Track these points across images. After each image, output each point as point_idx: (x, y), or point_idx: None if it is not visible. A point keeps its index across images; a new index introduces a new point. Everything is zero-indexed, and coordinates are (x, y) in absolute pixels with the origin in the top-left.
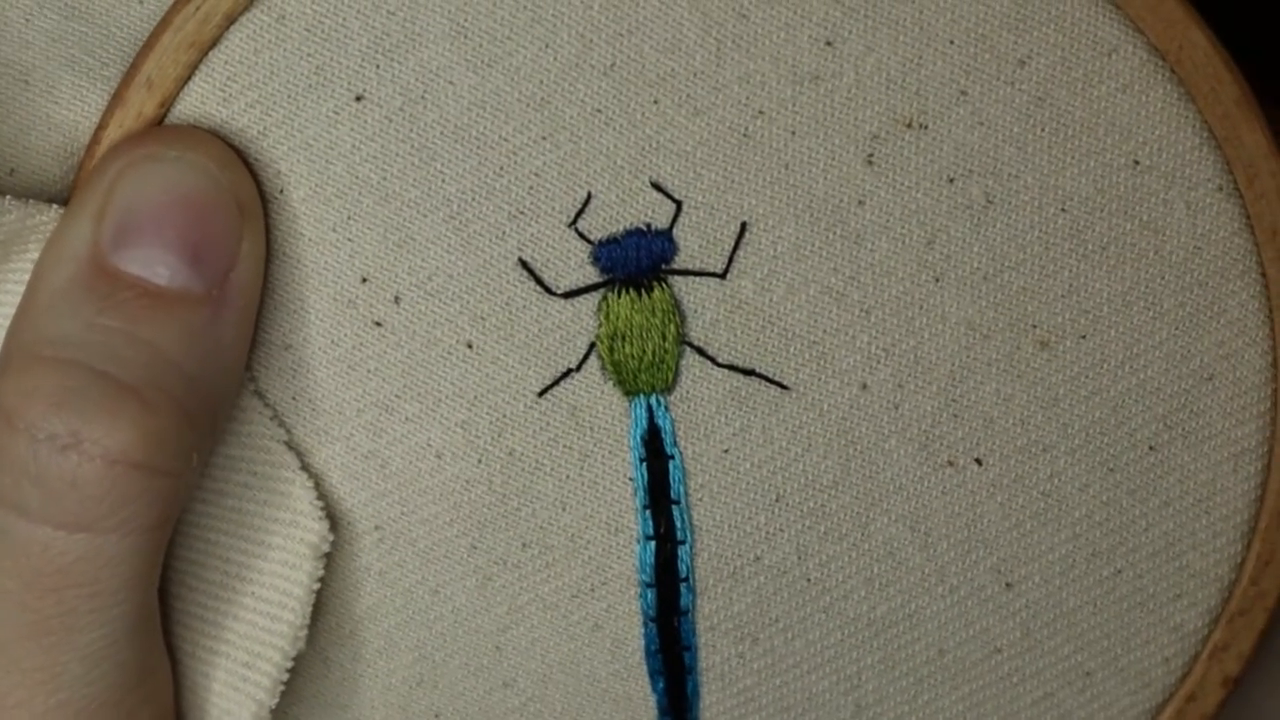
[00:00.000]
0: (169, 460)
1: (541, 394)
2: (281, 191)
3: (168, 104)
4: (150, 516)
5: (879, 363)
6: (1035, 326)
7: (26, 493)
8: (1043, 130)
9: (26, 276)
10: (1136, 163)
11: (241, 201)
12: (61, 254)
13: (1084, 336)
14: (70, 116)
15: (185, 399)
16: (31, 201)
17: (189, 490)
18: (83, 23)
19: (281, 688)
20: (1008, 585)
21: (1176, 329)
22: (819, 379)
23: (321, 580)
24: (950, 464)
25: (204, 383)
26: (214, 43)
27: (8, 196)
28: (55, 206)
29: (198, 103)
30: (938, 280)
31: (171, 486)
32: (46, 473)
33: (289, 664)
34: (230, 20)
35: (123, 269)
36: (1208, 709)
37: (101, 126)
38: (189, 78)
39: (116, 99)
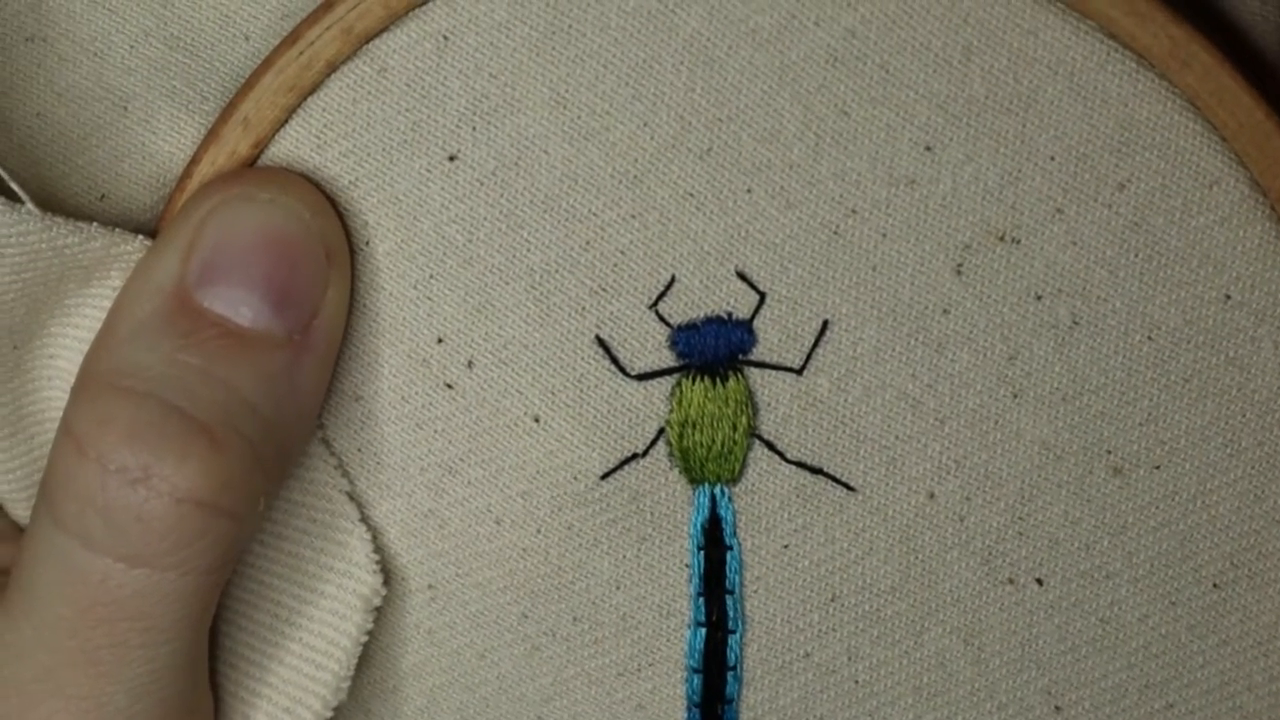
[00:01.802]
0: (236, 502)
1: (604, 477)
2: (367, 243)
3: (262, 145)
4: (211, 557)
5: (949, 473)
6: (1110, 452)
7: (91, 522)
8: (1136, 256)
9: (107, 303)
10: (1228, 297)
11: (330, 249)
12: (146, 286)
13: (1158, 467)
14: (165, 147)
15: (258, 442)
16: (118, 230)
17: (252, 533)
18: (186, 55)
19: None
20: (1057, 709)
21: (1252, 469)
22: (887, 484)
23: (370, 633)
24: (1011, 581)
25: (278, 427)
26: (314, 88)
27: (95, 224)
28: (141, 237)
29: (292, 146)
30: (1016, 397)
31: (235, 529)
32: (113, 505)
33: (329, 713)
34: (332, 67)
35: (206, 307)
36: None
37: (194, 161)
38: (286, 120)
39: (212, 135)
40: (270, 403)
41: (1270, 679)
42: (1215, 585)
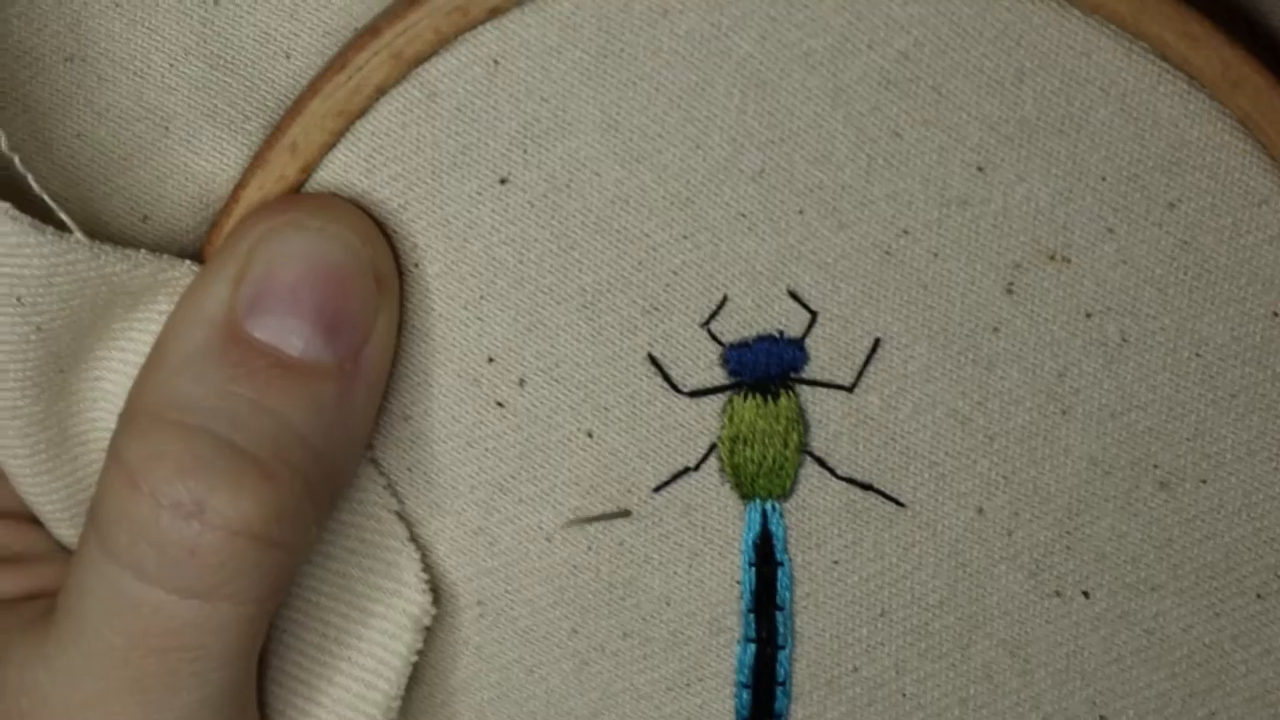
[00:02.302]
0: (288, 533)
1: (657, 490)
2: (416, 265)
3: (310, 169)
4: (264, 588)
5: (997, 489)
6: (1157, 467)
7: (144, 554)
8: (1185, 274)
9: (154, 327)
10: (1275, 314)
11: (380, 276)
12: (196, 316)
13: (1204, 481)
14: (208, 168)
15: (309, 472)
16: (165, 256)
17: (304, 560)
18: (228, 73)
19: None
20: (1102, 718)
21: None
22: (936, 499)
23: (419, 651)
24: (1058, 594)
25: (329, 457)
26: (362, 112)
27: (142, 250)
28: (188, 262)
29: (340, 170)
30: (1065, 413)
31: (288, 559)
32: (167, 538)
33: None
34: (381, 92)
35: (257, 336)
36: None
37: (241, 185)
38: (333, 144)
39: (259, 160)
40: (321, 433)
41: None
42: (1259, 596)
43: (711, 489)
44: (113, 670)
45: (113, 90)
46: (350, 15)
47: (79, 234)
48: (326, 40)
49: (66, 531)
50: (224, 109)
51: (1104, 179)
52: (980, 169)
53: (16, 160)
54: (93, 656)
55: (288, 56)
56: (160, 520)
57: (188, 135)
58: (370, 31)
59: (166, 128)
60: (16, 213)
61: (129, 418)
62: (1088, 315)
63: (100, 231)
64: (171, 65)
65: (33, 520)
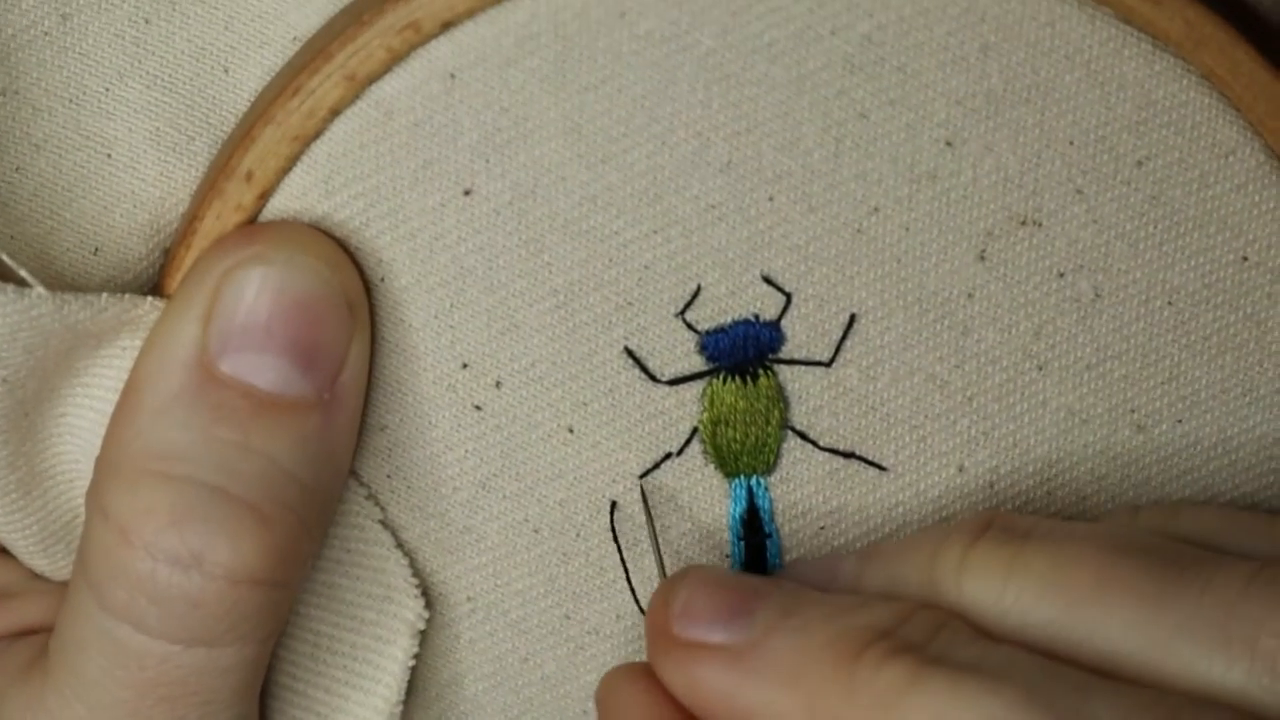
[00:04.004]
0: (288, 573)
1: (642, 477)
2: (382, 280)
3: (267, 195)
4: (268, 628)
5: (978, 445)
6: (1133, 411)
7: (143, 609)
8: (1155, 227)
9: (118, 362)
10: (1245, 258)
11: (351, 302)
12: (168, 359)
13: (1180, 421)
14: (155, 193)
15: (302, 509)
16: (128, 296)
17: (300, 590)
18: (166, 93)
19: None
20: None
21: (1270, 413)
22: (917, 460)
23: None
24: None
25: (318, 489)
26: (317, 135)
27: (105, 294)
28: (150, 299)
29: (298, 194)
30: (1041, 369)
31: (289, 595)
32: (167, 593)
33: None
34: (335, 113)
35: (232, 375)
36: None
37: (197, 217)
38: (289, 169)
39: (214, 190)
40: (309, 467)
41: None
42: None
43: (695, 470)
44: None
45: (49, 120)
46: (287, 24)
47: (40, 289)
48: (264, 52)
49: (40, 562)
50: (166, 130)
51: (1072, 143)
52: (949, 143)
53: None
54: (99, 709)
55: (226, 71)
56: (157, 575)
57: (131, 161)
58: (321, 55)
59: (109, 154)
60: None
61: (110, 470)
62: (1060, 275)
63: (51, 267)
64: (107, 89)
65: (2, 553)
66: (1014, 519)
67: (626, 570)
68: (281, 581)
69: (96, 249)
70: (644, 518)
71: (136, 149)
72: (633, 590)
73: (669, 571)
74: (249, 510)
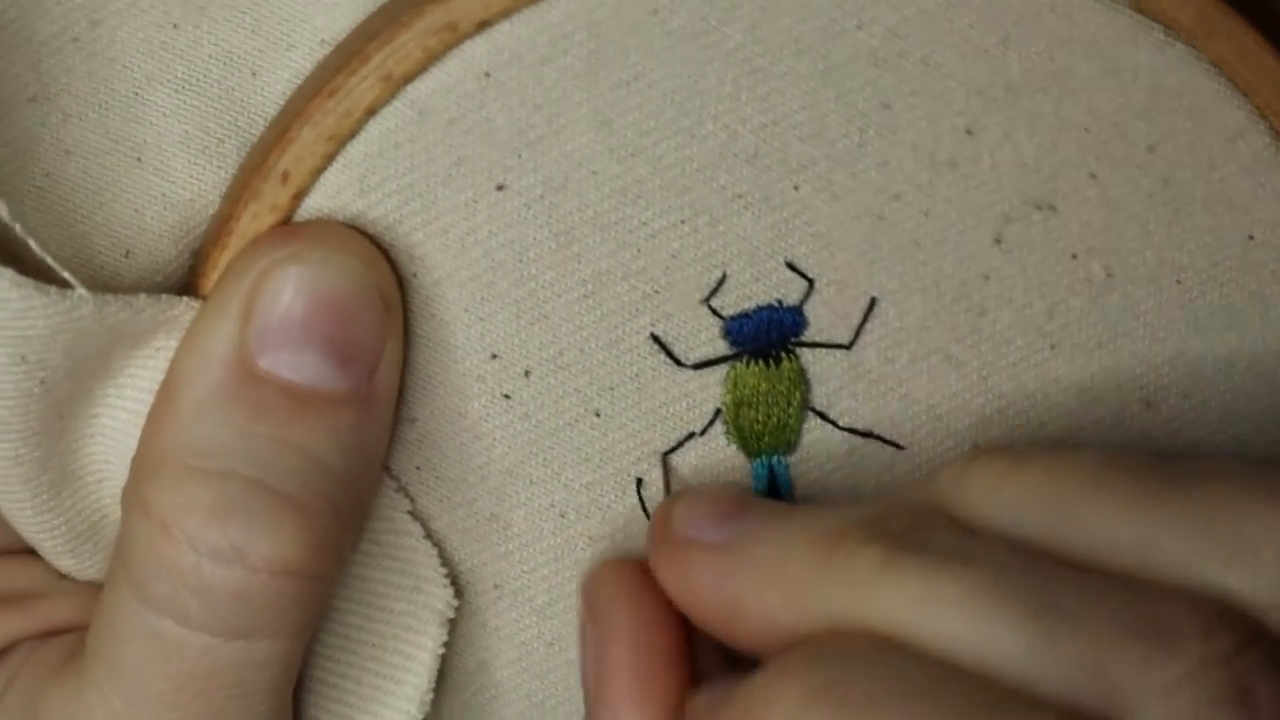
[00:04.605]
0: (327, 565)
1: (666, 454)
2: (415, 275)
3: (302, 195)
4: (305, 620)
5: (991, 423)
6: (1143, 388)
7: (186, 602)
8: (1165, 209)
9: (153, 363)
10: (1251, 238)
11: (386, 300)
12: (206, 357)
13: (1187, 395)
14: (185, 195)
15: (339, 502)
16: (165, 296)
17: (337, 584)
18: (194, 97)
19: None
20: None
21: (1273, 386)
22: (933, 439)
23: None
24: None
25: (354, 482)
26: (353, 134)
27: (143, 295)
28: (186, 300)
29: (333, 194)
30: (1054, 348)
31: (328, 589)
32: (210, 586)
33: None
34: (371, 113)
35: (271, 372)
36: None
37: (233, 217)
38: (324, 168)
39: (248, 191)
40: (345, 461)
41: None
42: None
43: (718, 449)
44: (159, 714)
45: (79, 125)
46: (314, 28)
47: (82, 290)
48: (291, 55)
49: (67, 562)
50: (195, 134)
51: (1087, 130)
52: (968, 131)
53: (18, 227)
54: (137, 704)
55: (254, 74)
56: (201, 569)
57: (160, 164)
58: (359, 56)
59: (138, 158)
60: (20, 278)
61: (150, 467)
62: (1073, 256)
63: (82, 271)
64: (136, 94)
65: (29, 553)
66: (1016, 445)
67: None
68: (320, 574)
69: (128, 252)
70: (657, 489)
71: (166, 152)
72: None
73: None
74: (288, 503)
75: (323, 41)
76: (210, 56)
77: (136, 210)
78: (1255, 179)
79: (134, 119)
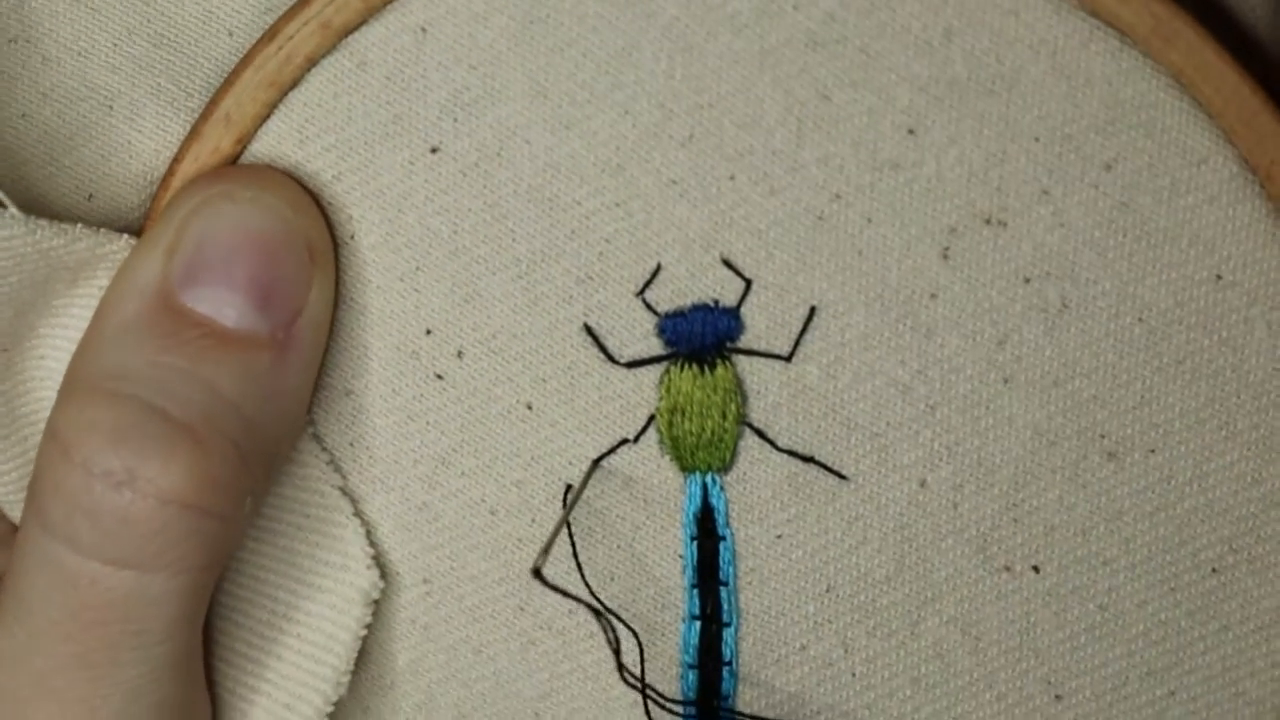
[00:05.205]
0: (221, 503)
1: (597, 462)
2: (352, 237)
3: (245, 141)
4: (199, 558)
5: (941, 461)
6: (1104, 437)
7: (78, 525)
8: (1124, 236)
9: (94, 303)
10: (1219, 277)
11: (313, 247)
12: (130, 287)
13: (1153, 451)
14: (151, 145)
15: (242, 442)
16: (103, 230)
17: (240, 533)
18: (170, 51)
19: None
20: (1057, 697)
21: (1248, 450)
22: (879, 472)
23: (367, 629)
24: (1007, 569)
25: (262, 427)
26: (294, 83)
27: (79, 224)
28: (126, 236)
29: (274, 142)
30: (1006, 382)
31: (222, 529)
32: (99, 508)
33: (330, 709)
34: (311, 62)
35: (190, 307)
36: None
37: (177, 159)
38: (267, 116)
39: (194, 133)
40: (254, 402)
41: (1272, 664)
42: (1214, 570)
43: (651, 461)
44: (55, 646)
45: (57, 70)
46: None
47: (13, 209)
48: (268, 18)
49: (17, 512)
50: (167, 87)
51: (1037, 139)
52: (911, 131)
53: None
54: (36, 634)
55: (230, 34)
56: (92, 490)
57: (131, 113)
58: (300, 1)
59: (110, 106)
60: None
61: (65, 390)
62: (1026, 280)
63: (46, 211)
64: (115, 45)
65: None
66: None
67: (578, 559)
68: (212, 510)
69: (90, 195)
70: (599, 503)
71: (137, 102)
72: (584, 579)
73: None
74: (186, 433)
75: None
76: (190, 14)
77: (103, 156)
78: (1221, 211)
79: (111, 68)
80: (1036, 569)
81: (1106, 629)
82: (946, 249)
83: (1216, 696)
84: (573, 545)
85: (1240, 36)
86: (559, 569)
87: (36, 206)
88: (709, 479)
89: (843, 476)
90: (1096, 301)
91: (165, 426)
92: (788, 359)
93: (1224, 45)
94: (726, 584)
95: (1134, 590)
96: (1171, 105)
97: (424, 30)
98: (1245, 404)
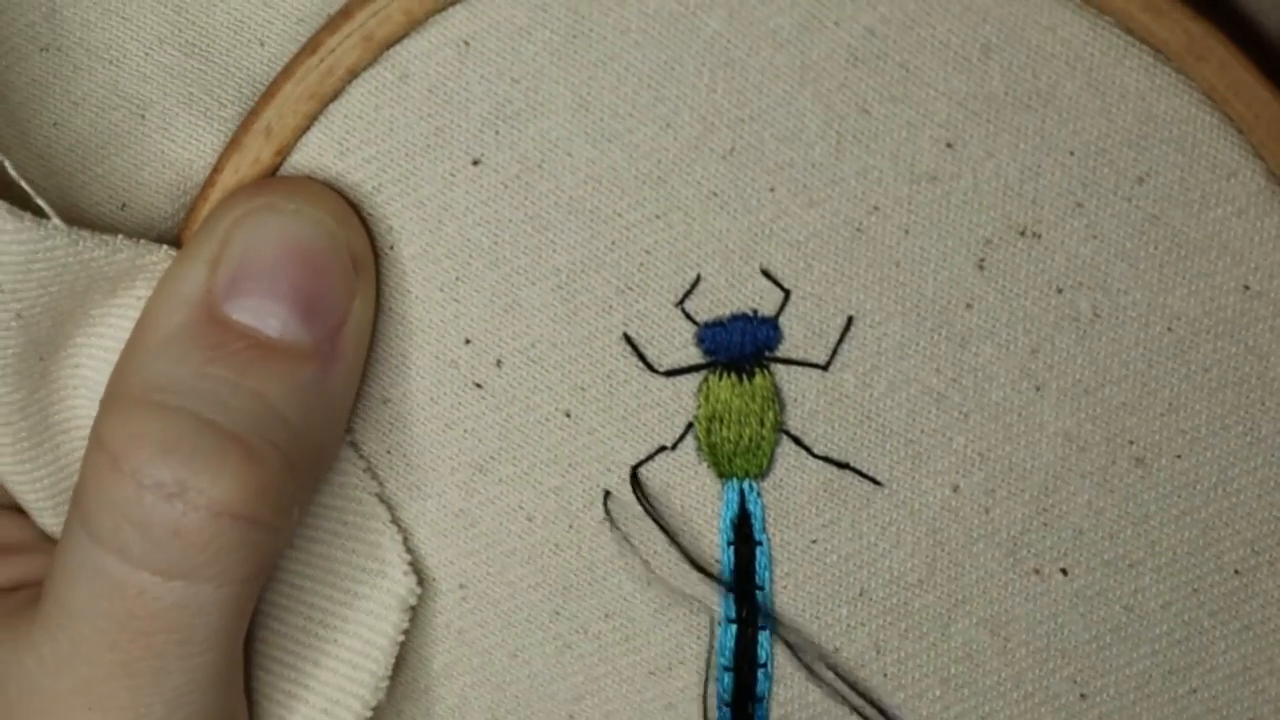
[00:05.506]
0: (271, 513)
1: (635, 468)
2: (392, 248)
3: (285, 153)
4: (247, 568)
5: (973, 466)
6: (1132, 443)
7: (128, 536)
8: (1155, 248)
9: (133, 313)
10: (1247, 287)
11: (356, 258)
12: (174, 298)
13: (1179, 456)
14: (185, 154)
15: (290, 451)
16: (143, 241)
17: (286, 541)
18: (203, 61)
19: None
20: (1082, 696)
21: (1272, 456)
22: (912, 478)
23: (404, 634)
24: (1036, 572)
25: (309, 436)
26: (335, 95)
27: (120, 235)
28: (165, 247)
29: (315, 154)
30: (1039, 389)
31: (271, 539)
32: (150, 519)
33: (368, 713)
34: (353, 75)
35: (234, 318)
36: None
37: (217, 170)
38: (307, 128)
39: (234, 144)
40: (300, 412)
41: None
42: (1237, 571)
43: (689, 468)
44: (100, 655)
45: (89, 79)
46: (324, 1)
47: (56, 220)
48: (300, 27)
49: (50, 520)
50: (199, 96)
51: (1072, 153)
52: (949, 145)
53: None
54: (80, 641)
55: (262, 44)
56: (143, 502)
57: (164, 122)
58: (342, 14)
59: (143, 115)
60: None
61: (109, 401)
62: (1059, 290)
63: (79, 220)
64: (147, 54)
65: (17, 510)
66: None
67: (676, 543)
68: (262, 521)
69: (124, 204)
70: (638, 508)
71: (170, 111)
72: (677, 545)
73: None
74: (236, 444)
75: (331, 15)
76: (221, 24)
77: (136, 165)
78: (1250, 223)
79: (143, 77)
80: (1065, 571)
81: (1131, 629)
82: (982, 260)
83: (1237, 694)
84: (660, 525)
85: (1270, 54)
86: (595, 574)
87: (71, 215)
88: (746, 485)
89: (877, 482)
90: (1127, 311)
91: (215, 438)
92: (825, 368)
93: (1254, 62)
94: (762, 588)
95: (1159, 591)
96: (1203, 120)
97: (467, 44)
98: (1270, 410)
